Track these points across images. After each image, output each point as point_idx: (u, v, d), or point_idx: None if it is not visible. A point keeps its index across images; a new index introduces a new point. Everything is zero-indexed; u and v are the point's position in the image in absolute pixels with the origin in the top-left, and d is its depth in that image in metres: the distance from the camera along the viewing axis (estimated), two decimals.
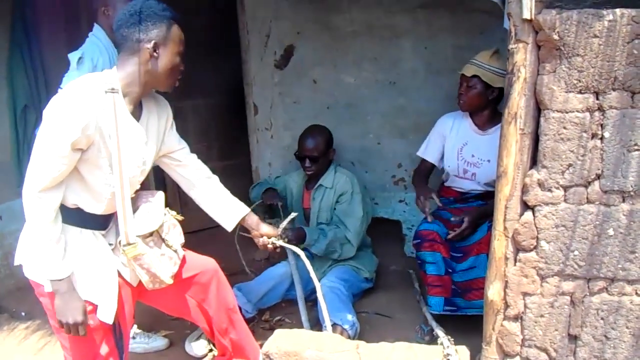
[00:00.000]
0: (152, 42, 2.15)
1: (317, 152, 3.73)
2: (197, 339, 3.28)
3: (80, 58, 3.02)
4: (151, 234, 2.34)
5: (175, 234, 2.49)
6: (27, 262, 2.24)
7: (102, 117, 2.09)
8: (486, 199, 3.32)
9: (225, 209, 2.66)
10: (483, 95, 3.25)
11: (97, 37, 3.09)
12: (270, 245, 2.78)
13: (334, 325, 3.19)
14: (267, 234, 2.77)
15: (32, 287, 2.30)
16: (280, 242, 2.80)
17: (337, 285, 3.55)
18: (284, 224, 2.87)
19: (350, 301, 3.53)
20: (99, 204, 2.23)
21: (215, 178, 2.68)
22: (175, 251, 2.45)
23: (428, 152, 3.59)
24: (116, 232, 2.31)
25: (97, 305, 2.25)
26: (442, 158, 3.56)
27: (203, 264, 2.68)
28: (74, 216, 2.21)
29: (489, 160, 3.29)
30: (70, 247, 2.19)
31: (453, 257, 3.24)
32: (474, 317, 2.87)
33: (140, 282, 2.41)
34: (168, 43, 2.19)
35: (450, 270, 3.19)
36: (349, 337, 3.09)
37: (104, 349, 2.33)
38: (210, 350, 3.25)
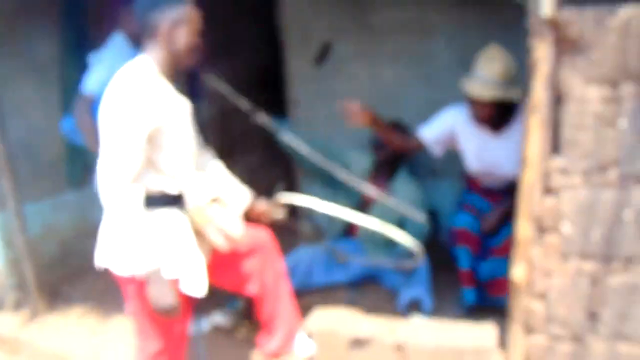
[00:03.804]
0: (168, 24, 2.23)
1: None
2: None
3: (97, 58, 3.25)
4: (213, 199, 2.47)
5: (225, 193, 2.58)
6: (115, 259, 2.29)
7: (160, 101, 2.21)
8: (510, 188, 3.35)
9: (233, 192, 2.63)
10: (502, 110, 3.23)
11: (114, 41, 3.32)
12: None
13: (416, 300, 3.28)
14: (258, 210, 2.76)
15: (119, 282, 2.36)
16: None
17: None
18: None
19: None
20: (173, 184, 2.33)
21: (219, 162, 2.69)
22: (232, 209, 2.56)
23: (430, 133, 3.53)
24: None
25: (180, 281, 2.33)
26: (440, 146, 3.50)
27: (255, 233, 2.75)
28: (158, 200, 2.29)
29: (510, 158, 3.19)
30: (157, 231, 2.26)
31: (482, 252, 3.35)
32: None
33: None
34: (183, 24, 2.25)
35: (474, 267, 3.31)
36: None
37: (180, 326, 2.47)
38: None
